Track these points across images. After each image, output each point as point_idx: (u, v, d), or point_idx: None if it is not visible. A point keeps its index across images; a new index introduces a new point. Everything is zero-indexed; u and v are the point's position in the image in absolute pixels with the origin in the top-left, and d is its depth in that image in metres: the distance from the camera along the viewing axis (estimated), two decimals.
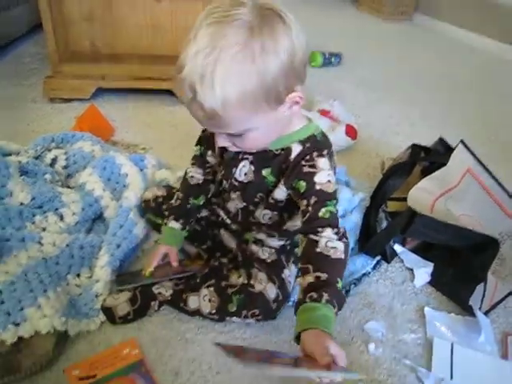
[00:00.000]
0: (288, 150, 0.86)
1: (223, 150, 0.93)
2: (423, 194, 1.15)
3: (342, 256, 0.79)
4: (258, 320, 0.92)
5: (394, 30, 3.24)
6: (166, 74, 1.79)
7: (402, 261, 1.14)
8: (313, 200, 0.83)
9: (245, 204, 0.96)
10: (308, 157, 0.84)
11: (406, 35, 3.14)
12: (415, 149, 1.25)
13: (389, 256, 1.12)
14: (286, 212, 0.94)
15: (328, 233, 0.81)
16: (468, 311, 1.00)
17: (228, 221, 1.03)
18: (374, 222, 1.15)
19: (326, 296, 0.73)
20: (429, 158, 1.24)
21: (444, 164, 1.14)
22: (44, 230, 1.05)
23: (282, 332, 0.94)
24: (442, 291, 1.07)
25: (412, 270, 1.11)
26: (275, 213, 0.94)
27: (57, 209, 1.08)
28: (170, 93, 1.81)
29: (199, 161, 1.04)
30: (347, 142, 1.57)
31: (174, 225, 1.02)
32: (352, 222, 1.15)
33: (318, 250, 0.79)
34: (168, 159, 1.42)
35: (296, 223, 0.97)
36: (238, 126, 0.75)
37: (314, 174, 0.83)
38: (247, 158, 0.91)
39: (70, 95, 1.79)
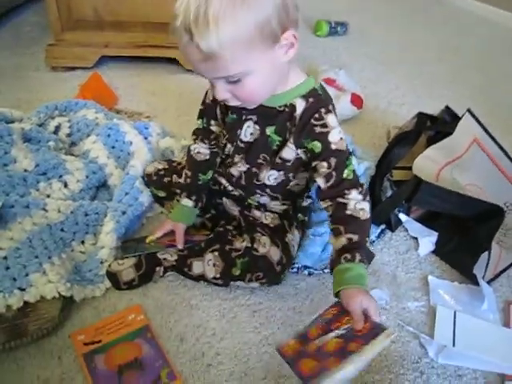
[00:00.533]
0: (292, 107, 0.86)
1: (225, 113, 0.93)
2: (429, 163, 1.15)
3: (369, 216, 0.85)
4: (263, 283, 0.93)
5: (401, 1, 3.16)
6: (169, 41, 1.75)
7: (406, 230, 1.14)
8: (333, 162, 0.85)
9: (248, 166, 0.95)
10: (317, 115, 0.84)
11: (415, 6, 3.06)
12: (421, 117, 1.23)
13: (393, 225, 1.12)
14: (292, 172, 0.94)
15: (354, 194, 0.84)
16: (471, 280, 1.01)
17: (230, 187, 1.02)
18: (379, 191, 1.15)
19: (358, 256, 0.80)
20: (435, 126, 1.22)
21: (450, 133, 1.13)
22: (48, 196, 1.06)
23: (286, 300, 0.95)
24: (446, 260, 1.07)
25: (416, 238, 1.11)
26: (281, 173, 0.93)
27: (61, 176, 1.08)
28: (174, 61, 1.79)
29: (202, 134, 1.02)
30: (353, 111, 1.55)
31: (187, 202, 1.02)
32: None
33: (348, 212, 0.84)
34: (172, 127, 1.41)
35: (300, 182, 0.97)
36: (235, 67, 0.73)
37: (327, 133, 0.85)
38: (251, 119, 0.90)
39: (73, 63, 1.77)
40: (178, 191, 1.04)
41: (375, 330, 0.72)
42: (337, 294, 0.80)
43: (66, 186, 1.08)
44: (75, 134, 1.28)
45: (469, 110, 1.12)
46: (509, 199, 1.18)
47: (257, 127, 0.90)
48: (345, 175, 0.85)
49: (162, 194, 1.09)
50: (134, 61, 1.82)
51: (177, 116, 1.52)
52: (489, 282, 0.99)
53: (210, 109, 0.98)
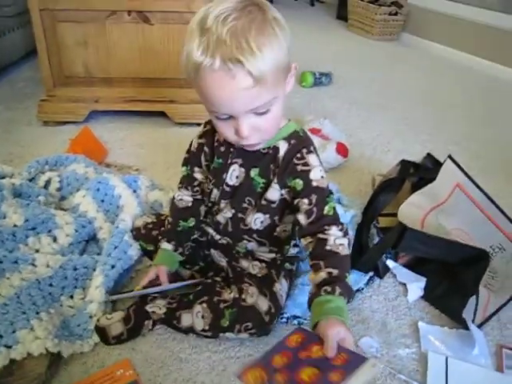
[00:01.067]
0: (275, 149, 0.91)
1: (211, 160, 0.98)
2: (413, 209, 1.17)
3: (348, 252, 0.87)
4: (252, 334, 0.92)
5: (383, 50, 3.30)
6: (158, 95, 1.82)
7: (394, 276, 1.14)
8: (314, 198, 0.88)
9: (233, 211, 0.97)
10: (299, 155, 0.89)
11: (395, 54, 3.20)
12: (405, 164, 1.26)
13: (381, 271, 1.13)
14: (277, 215, 0.96)
15: (334, 230, 0.87)
16: (461, 324, 1.01)
17: (217, 236, 1.04)
18: (366, 238, 1.16)
19: (338, 289, 0.80)
20: (418, 173, 1.25)
21: (433, 179, 1.16)
22: (37, 251, 1.06)
23: None
24: (435, 305, 1.07)
25: (405, 284, 1.12)
26: (267, 216, 0.96)
27: (50, 230, 1.09)
28: (162, 114, 1.84)
29: (186, 181, 1.06)
30: (338, 160, 1.58)
31: (166, 246, 1.03)
32: None
33: (328, 247, 0.85)
34: (161, 180, 1.43)
35: (286, 228, 1.00)
36: (271, 93, 0.78)
37: (308, 171, 0.89)
38: (236, 162, 0.94)
39: (64, 118, 1.81)
40: (159, 238, 1.06)
41: (356, 361, 0.70)
42: (314, 327, 0.78)
43: (55, 240, 1.09)
44: (65, 189, 1.29)
45: (449, 157, 1.15)
46: (494, 242, 1.20)
47: (242, 169, 0.94)
48: (325, 211, 0.88)
49: (150, 247, 1.10)
50: (123, 115, 1.87)
51: (165, 169, 1.55)
52: (479, 326, 0.99)
53: (195, 157, 1.02)
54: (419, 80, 2.67)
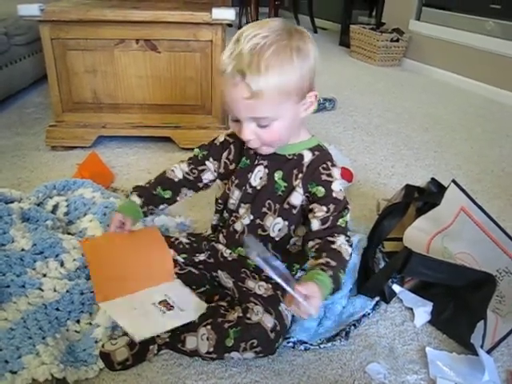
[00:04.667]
0: (300, 156, 0.99)
1: (238, 159, 1.04)
2: (419, 234, 1.17)
3: (349, 258, 0.93)
4: (257, 353, 0.91)
5: (385, 75, 3.34)
6: (164, 121, 1.85)
7: (401, 301, 1.14)
8: (332, 208, 0.94)
9: (252, 217, 1.01)
10: (324, 165, 0.97)
11: (397, 79, 3.24)
12: (409, 189, 1.27)
13: (388, 296, 1.12)
14: (294, 223, 1.01)
15: (342, 238, 0.93)
16: (470, 350, 1.00)
17: (227, 252, 1.06)
18: (372, 263, 1.16)
19: (330, 272, 0.86)
20: (422, 198, 1.26)
21: (438, 203, 1.16)
22: (44, 275, 1.06)
23: (282, 376, 0.93)
24: (443, 330, 1.06)
25: (411, 309, 1.11)
26: (286, 223, 1.00)
27: (57, 255, 1.09)
28: (168, 139, 1.86)
29: (192, 160, 1.11)
30: (343, 185, 1.58)
31: (135, 199, 1.09)
32: (350, 263, 1.15)
33: (334, 246, 0.91)
34: None
35: (298, 242, 1.04)
36: (270, 110, 0.86)
37: (331, 182, 0.96)
38: (262, 164, 1.01)
39: (72, 143, 1.84)
40: (131, 189, 1.12)
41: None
42: None
43: (62, 264, 1.09)
44: (72, 213, 1.30)
45: (453, 181, 1.16)
46: (501, 266, 1.20)
47: (266, 171, 1.00)
48: (339, 222, 0.94)
49: None
50: (130, 140, 1.90)
51: None
52: (488, 352, 0.98)
53: (216, 149, 1.09)
54: (421, 104, 2.70)
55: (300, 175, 0.97)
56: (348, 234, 0.96)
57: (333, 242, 0.92)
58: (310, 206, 0.96)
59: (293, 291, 0.78)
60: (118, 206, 1.12)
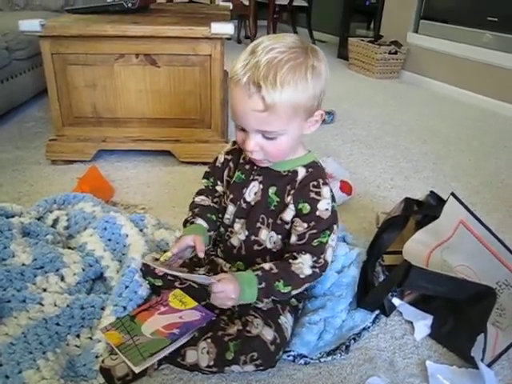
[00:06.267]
0: (294, 173, 0.99)
1: (232, 175, 1.06)
2: (418, 247, 1.17)
3: (302, 276, 0.94)
4: (258, 366, 0.91)
5: (384, 87, 3.37)
6: (164, 135, 1.86)
7: (400, 314, 1.13)
8: (312, 225, 0.96)
9: (247, 234, 1.03)
10: (315, 182, 0.97)
11: (395, 92, 3.27)
12: (408, 202, 1.28)
13: (387, 310, 1.12)
14: (287, 237, 1.01)
15: (307, 258, 0.95)
16: (471, 363, 0.99)
17: (227, 266, 1.07)
18: (372, 276, 1.16)
19: (261, 274, 0.92)
20: (421, 211, 1.26)
21: (437, 216, 1.17)
22: (45, 290, 1.06)
23: None
24: (443, 343, 1.06)
25: (411, 322, 1.11)
26: (279, 236, 1.01)
27: (58, 269, 1.09)
28: (167, 153, 1.87)
29: (207, 191, 1.12)
30: (342, 198, 1.59)
31: (202, 223, 1.06)
32: (350, 276, 1.16)
33: (291, 261, 0.95)
34: (167, 219, 1.44)
35: None
36: (279, 125, 0.88)
37: (318, 201, 0.96)
38: (257, 179, 1.02)
39: (72, 157, 1.85)
40: (189, 215, 1.09)
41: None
42: None
43: (62, 279, 1.09)
44: (73, 227, 1.31)
45: (452, 194, 1.17)
46: (500, 278, 1.20)
47: (261, 187, 1.01)
48: (313, 242, 0.96)
49: (158, 282, 1.09)
50: (129, 154, 1.91)
51: (171, 207, 1.56)
52: (489, 365, 0.98)
53: (219, 171, 1.10)
54: (419, 117, 2.72)
55: (292, 191, 0.98)
56: (321, 255, 0.96)
57: (294, 258, 0.95)
58: (294, 219, 0.98)
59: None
60: (183, 231, 1.07)
